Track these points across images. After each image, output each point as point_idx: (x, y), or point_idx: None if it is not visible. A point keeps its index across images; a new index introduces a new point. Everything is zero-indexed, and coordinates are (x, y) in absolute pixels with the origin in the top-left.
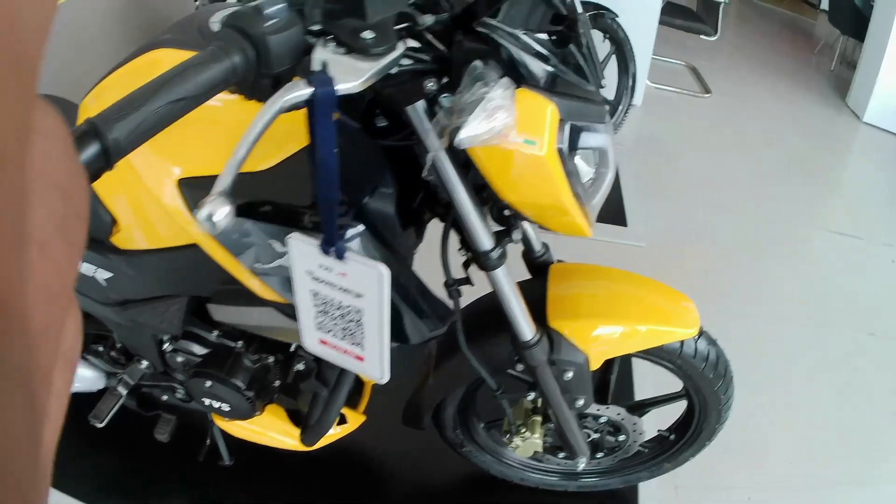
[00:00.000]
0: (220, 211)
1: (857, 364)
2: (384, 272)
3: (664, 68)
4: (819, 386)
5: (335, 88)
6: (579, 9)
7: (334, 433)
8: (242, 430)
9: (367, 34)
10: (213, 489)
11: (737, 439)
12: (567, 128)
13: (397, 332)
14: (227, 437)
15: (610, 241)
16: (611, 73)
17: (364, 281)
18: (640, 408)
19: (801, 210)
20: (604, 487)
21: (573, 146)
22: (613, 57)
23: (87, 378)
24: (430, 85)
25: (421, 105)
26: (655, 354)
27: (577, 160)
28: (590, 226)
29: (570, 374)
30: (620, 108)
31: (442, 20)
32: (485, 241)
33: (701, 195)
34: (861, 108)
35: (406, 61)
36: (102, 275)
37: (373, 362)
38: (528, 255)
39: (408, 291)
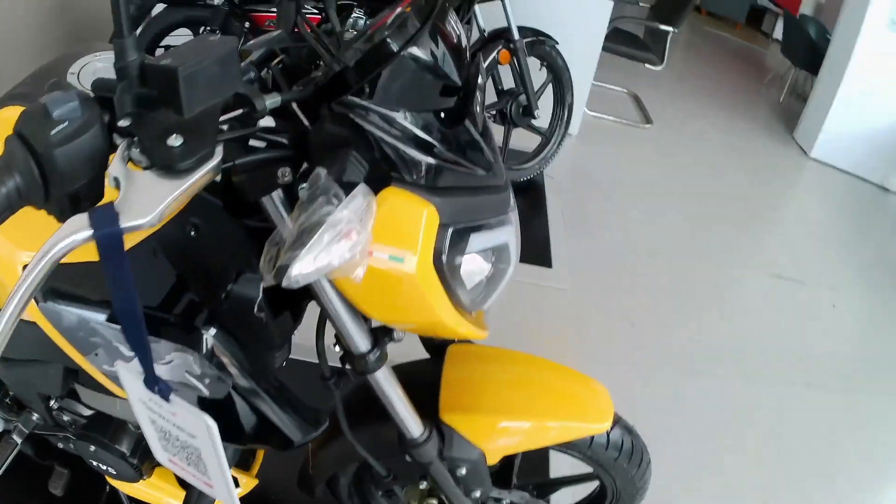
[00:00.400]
0: None
1: (790, 417)
2: (210, 424)
3: (604, 95)
4: (748, 443)
5: (120, 228)
6: (515, 35)
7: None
8: (132, 489)
9: (174, 140)
10: None
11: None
12: (449, 232)
13: (269, 437)
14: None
15: (532, 283)
16: (546, 101)
17: (193, 427)
18: (550, 487)
19: (740, 251)
20: None
21: (461, 251)
22: (550, 86)
23: None
24: (286, 177)
25: (277, 196)
26: (563, 446)
27: (468, 260)
28: (481, 329)
29: (463, 471)
30: (553, 140)
31: (294, 97)
32: (360, 342)
33: (633, 234)
34: (809, 142)
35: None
36: None
37: (221, 492)
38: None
39: (275, 397)
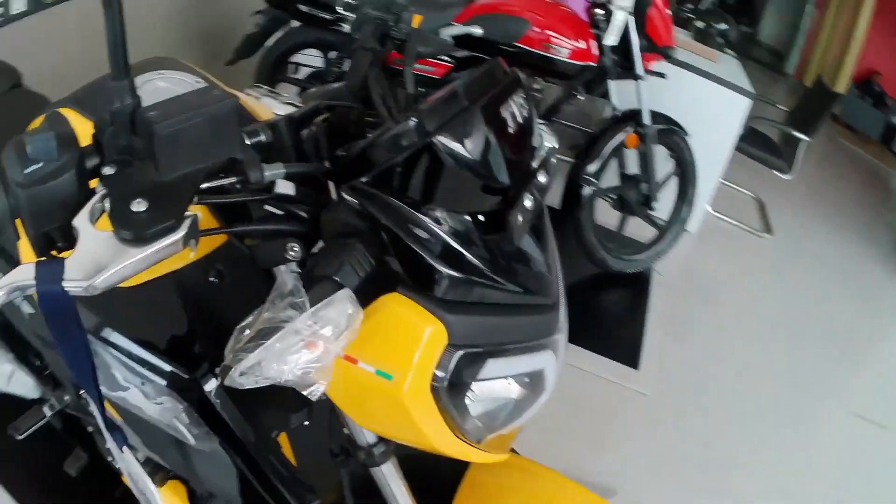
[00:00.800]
0: None
1: None
2: (153, 490)
3: (729, 195)
4: None
5: (60, 286)
6: (646, 120)
7: None
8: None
9: (138, 205)
10: None
11: None
12: (457, 356)
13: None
14: None
15: (614, 382)
16: (668, 193)
17: (141, 482)
18: None
19: (828, 383)
20: None
21: (470, 377)
22: (674, 178)
23: (27, 384)
24: (293, 252)
25: (288, 270)
26: None
27: (480, 386)
28: (495, 451)
29: None
30: (669, 235)
31: (302, 170)
32: (365, 434)
33: (727, 347)
34: None
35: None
36: (27, 308)
37: None
38: None
39: (266, 464)
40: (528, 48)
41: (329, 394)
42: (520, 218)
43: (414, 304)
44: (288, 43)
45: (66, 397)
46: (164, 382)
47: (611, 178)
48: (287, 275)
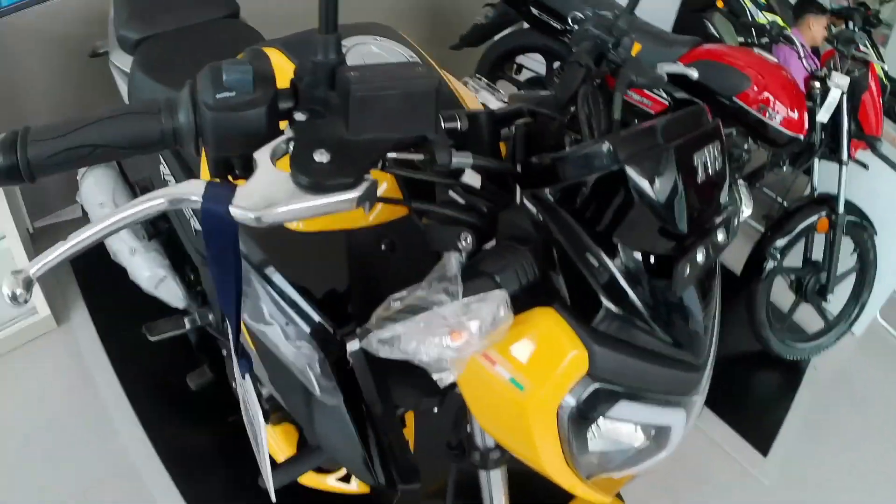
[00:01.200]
0: (19, 294)
1: None
2: (261, 420)
3: None
4: None
5: (226, 208)
6: (840, 208)
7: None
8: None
9: (322, 155)
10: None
11: None
12: (591, 388)
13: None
14: None
15: (736, 459)
16: (844, 288)
17: (254, 408)
18: None
19: None
20: None
21: (598, 412)
22: (853, 275)
23: (174, 293)
24: (465, 242)
25: (456, 257)
26: None
27: (605, 423)
28: (598, 492)
29: None
30: (835, 332)
31: (490, 165)
32: (486, 437)
33: (866, 462)
34: None
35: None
36: (196, 225)
37: (265, 471)
38: None
39: (381, 433)
40: (744, 105)
41: (461, 388)
42: (687, 270)
43: (565, 325)
44: (515, 43)
45: (210, 316)
46: (307, 329)
47: (794, 259)
48: (452, 261)
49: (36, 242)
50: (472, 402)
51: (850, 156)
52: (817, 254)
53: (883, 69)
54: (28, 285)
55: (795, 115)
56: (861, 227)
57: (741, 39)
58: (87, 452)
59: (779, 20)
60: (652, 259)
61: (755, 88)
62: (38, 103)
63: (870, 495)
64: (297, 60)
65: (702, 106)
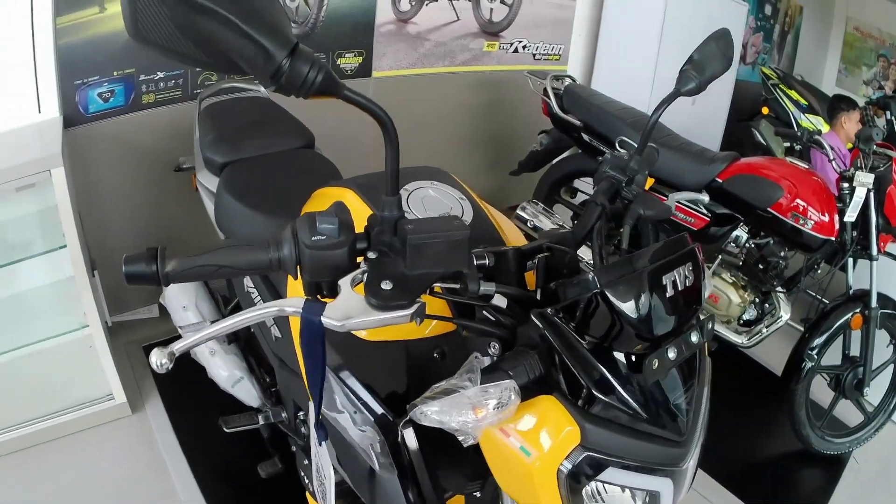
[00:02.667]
0: (163, 364)
1: None
2: (331, 475)
3: None
4: None
5: (319, 320)
6: (874, 302)
7: None
8: None
9: (386, 284)
10: None
11: None
12: (583, 455)
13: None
14: None
15: None
16: (884, 381)
17: (326, 470)
18: None
19: None
20: None
21: (589, 476)
22: (892, 366)
23: (249, 392)
24: (492, 349)
25: (478, 357)
26: None
27: (601, 488)
28: None
29: None
30: (874, 424)
31: (507, 292)
32: None
33: None
34: None
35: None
36: (276, 332)
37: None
38: None
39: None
40: (778, 214)
41: (487, 458)
42: (656, 364)
43: (562, 408)
44: (569, 167)
45: (284, 415)
46: (371, 418)
47: (832, 356)
48: (474, 361)
49: (112, 335)
50: (495, 470)
51: (879, 250)
52: (855, 350)
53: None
54: (171, 358)
55: (826, 219)
56: (895, 318)
57: (787, 145)
58: None
59: (822, 120)
60: (634, 357)
61: (788, 196)
62: (120, 205)
63: None
64: (369, 201)
65: (684, 235)
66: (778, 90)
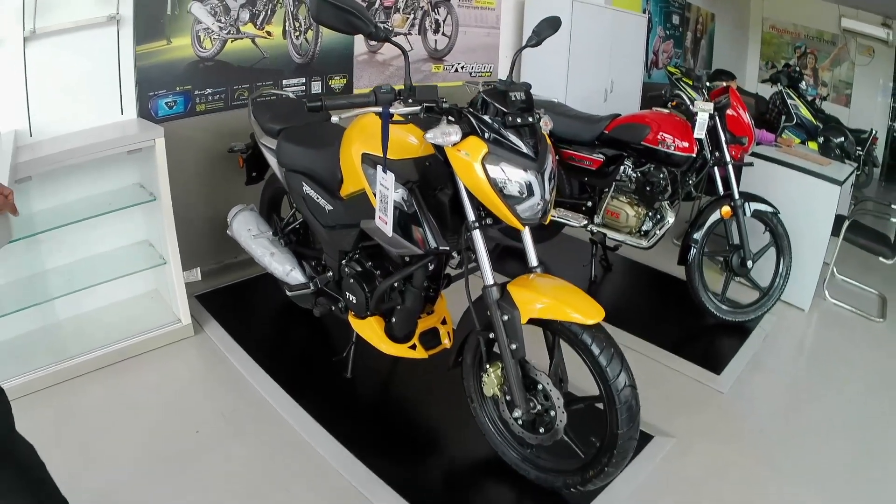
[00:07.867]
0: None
1: None
2: (391, 177)
3: (850, 292)
4: None
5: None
6: (736, 196)
7: (409, 352)
8: (363, 328)
9: (384, 86)
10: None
11: None
12: (484, 151)
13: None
14: (354, 360)
15: (693, 378)
16: (769, 265)
17: (389, 183)
18: (568, 400)
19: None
20: (550, 484)
21: (494, 162)
22: (773, 249)
23: (297, 278)
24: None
25: (445, 120)
26: (563, 334)
27: (504, 168)
28: (517, 220)
29: (506, 317)
30: (770, 296)
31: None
32: (470, 213)
33: (806, 405)
34: None
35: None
36: (328, 206)
37: (388, 226)
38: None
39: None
40: (650, 145)
41: (453, 166)
42: (518, 121)
43: (478, 140)
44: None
45: (329, 274)
46: (402, 182)
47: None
48: (446, 121)
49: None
50: (458, 170)
51: (732, 157)
52: (736, 239)
53: (739, 87)
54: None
55: (686, 144)
56: (764, 210)
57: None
58: (255, 428)
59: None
60: (510, 119)
61: (654, 131)
62: (191, 175)
63: (814, 429)
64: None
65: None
66: (681, 83)
